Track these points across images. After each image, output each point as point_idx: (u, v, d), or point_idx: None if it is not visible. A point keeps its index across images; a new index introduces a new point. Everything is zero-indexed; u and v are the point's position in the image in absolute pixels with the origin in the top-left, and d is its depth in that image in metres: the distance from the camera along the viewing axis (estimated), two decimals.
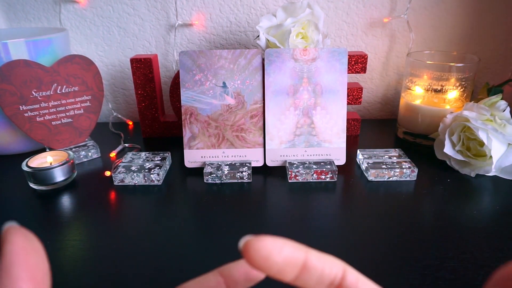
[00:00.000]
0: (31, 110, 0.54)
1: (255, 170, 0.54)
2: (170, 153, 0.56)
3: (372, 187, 0.50)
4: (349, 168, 0.54)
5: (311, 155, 0.54)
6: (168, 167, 0.55)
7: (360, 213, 0.44)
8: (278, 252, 0.15)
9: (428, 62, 0.59)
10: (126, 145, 0.62)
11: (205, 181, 0.51)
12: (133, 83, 0.63)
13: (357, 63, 0.60)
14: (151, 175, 0.50)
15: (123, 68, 0.73)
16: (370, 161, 0.52)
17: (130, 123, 0.74)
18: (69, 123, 0.58)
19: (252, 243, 0.15)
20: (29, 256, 0.14)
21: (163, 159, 0.54)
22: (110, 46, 0.72)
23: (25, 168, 0.49)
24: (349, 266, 0.17)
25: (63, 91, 0.56)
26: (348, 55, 0.58)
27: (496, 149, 0.48)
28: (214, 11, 0.68)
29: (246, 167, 0.51)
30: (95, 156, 0.59)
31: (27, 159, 0.50)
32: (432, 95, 0.60)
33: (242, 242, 0.15)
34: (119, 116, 0.74)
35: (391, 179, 0.51)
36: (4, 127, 0.56)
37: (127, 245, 0.39)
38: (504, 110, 0.50)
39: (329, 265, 0.16)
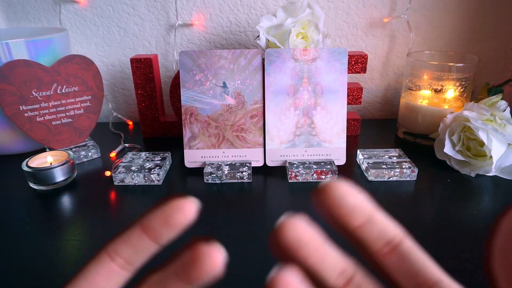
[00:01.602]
0: (31, 110, 0.54)
1: (255, 170, 0.54)
2: (170, 153, 0.56)
3: (372, 187, 0.50)
4: (349, 168, 0.54)
5: (311, 155, 0.54)
6: (168, 167, 0.55)
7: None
8: (354, 195, 0.17)
9: (428, 62, 0.59)
10: (126, 145, 0.62)
11: (205, 181, 0.51)
12: (133, 83, 0.63)
13: (357, 63, 0.60)
14: (151, 175, 0.50)
15: (123, 68, 0.73)
16: (370, 161, 0.52)
17: (130, 123, 0.74)
18: (69, 123, 0.58)
19: (333, 183, 0.16)
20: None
21: (163, 159, 0.54)
22: (110, 46, 0.72)
23: (25, 168, 0.49)
24: (406, 236, 0.18)
25: (63, 91, 0.56)
26: (348, 55, 0.58)
27: (496, 149, 0.48)
28: (214, 11, 0.68)
29: (246, 167, 0.51)
30: (95, 156, 0.59)
31: (27, 159, 0.50)
32: (432, 95, 0.60)
33: (323, 182, 0.17)
34: (119, 116, 0.74)
35: (391, 179, 0.51)
36: (4, 127, 0.56)
37: None
38: (504, 110, 0.50)
39: (391, 226, 0.17)
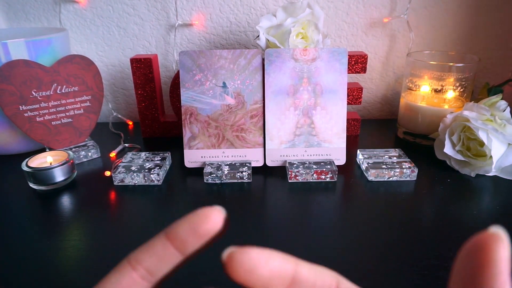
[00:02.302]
0: (31, 110, 0.54)
1: (255, 170, 0.54)
2: (170, 153, 0.56)
3: (372, 187, 0.49)
4: (349, 168, 0.54)
5: (311, 155, 0.54)
6: (168, 167, 0.55)
7: (360, 213, 0.44)
8: (264, 264, 0.14)
9: (428, 62, 0.59)
10: (126, 145, 0.62)
11: (205, 181, 0.51)
12: (133, 83, 0.63)
13: (357, 63, 0.60)
14: (151, 175, 0.50)
15: (123, 68, 0.73)
16: (370, 161, 0.52)
17: (130, 123, 0.73)
18: (69, 123, 0.58)
19: (235, 256, 0.14)
20: None
21: (163, 159, 0.54)
22: (110, 46, 0.72)
23: (25, 168, 0.49)
24: (342, 277, 0.16)
25: (63, 91, 0.56)
26: (348, 55, 0.58)
27: (496, 149, 0.48)
28: (214, 11, 0.68)
29: (246, 167, 0.51)
30: (95, 156, 0.59)
31: (27, 159, 0.50)
32: (432, 95, 0.60)
33: (225, 254, 0.14)
34: (119, 116, 0.74)
35: (391, 179, 0.51)
36: (4, 127, 0.56)
37: (127, 245, 0.39)
38: (504, 110, 0.50)
39: (321, 277, 0.16)
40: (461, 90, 0.59)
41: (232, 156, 0.54)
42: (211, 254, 0.38)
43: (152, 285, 0.17)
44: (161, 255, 0.16)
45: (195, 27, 0.70)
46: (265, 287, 0.15)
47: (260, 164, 0.55)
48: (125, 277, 0.16)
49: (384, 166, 0.51)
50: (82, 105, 0.59)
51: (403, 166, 0.51)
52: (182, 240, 0.17)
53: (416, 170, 0.50)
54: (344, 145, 0.54)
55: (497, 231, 0.13)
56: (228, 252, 0.14)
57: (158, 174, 0.50)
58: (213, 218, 0.17)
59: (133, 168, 0.51)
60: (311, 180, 0.51)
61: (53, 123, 0.57)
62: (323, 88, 0.53)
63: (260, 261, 0.14)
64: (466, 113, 0.51)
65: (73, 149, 0.58)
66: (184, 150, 0.54)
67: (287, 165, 0.52)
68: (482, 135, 0.48)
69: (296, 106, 0.53)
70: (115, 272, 0.17)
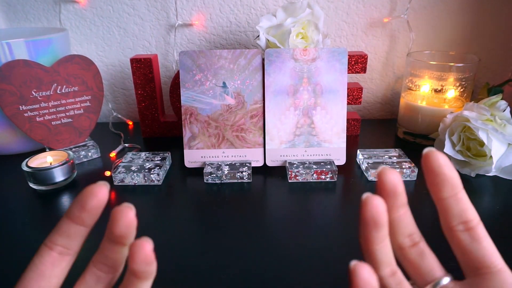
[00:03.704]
0: (31, 110, 0.54)
1: (255, 170, 0.54)
2: (170, 153, 0.56)
3: (372, 187, 0.49)
4: (349, 168, 0.54)
5: (311, 155, 0.54)
6: (168, 167, 0.55)
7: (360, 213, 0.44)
8: (451, 168, 0.19)
9: (428, 62, 0.59)
10: (126, 145, 0.62)
11: (205, 181, 0.51)
12: (133, 83, 0.63)
13: (357, 63, 0.60)
14: (151, 175, 0.50)
15: (123, 68, 0.73)
16: (370, 161, 0.52)
17: (130, 123, 0.74)
18: (69, 123, 0.58)
19: (436, 152, 0.19)
20: None
21: (163, 159, 0.54)
22: (110, 46, 0.72)
23: (25, 168, 0.49)
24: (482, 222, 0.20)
25: (63, 91, 0.56)
26: (348, 55, 0.58)
27: (496, 149, 0.48)
28: (214, 11, 0.68)
29: (246, 167, 0.51)
30: (95, 156, 0.59)
31: (27, 159, 0.50)
32: (432, 95, 0.60)
33: (426, 150, 0.19)
34: (119, 116, 0.74)
35: None
36: (4, 127, 0.56)
37: None
38: (504, 110, 0.50)
39: (472, 209, 0.20)
40: (461, 90, 0.59)
41: (232, 156, 0.54)
42: (213, 252, 0.38)
43: (72, 256, 0.20)
44: (69, 232, 0.20)
45: (195, 27, 0.70)
46: (446, 182, 0.19)
47: (260, 164, 0.55)
48: (45, 257, 0.19)
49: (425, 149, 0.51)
50: (82, 105, 0.59)
51: (403, 166, 0.51)
52: (77, 217, 0.19)
53: (416, 170, 0.50)
54: (344, 145, 0.54)
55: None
56: (429, 149, 0.20)
57: (158, 174, 0.50)
58: (97, 194, 0.19)
59: (133, 168, 0.51)
60: (311, 180, 0.51)
61: (53, 123, 0.57)
62: (323, 88, 0.53)
63: (448, 164, 0.19)
64: (466, 113, 0.51)
65: (73, 149, 0.58)
66: (184, 150, 0.54)
67: (287, 165, 0.52)
68: (482, 135, 0.48)
69: (296, 106, 0.53)
70: (37, 256, 0.20)
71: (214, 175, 0.51)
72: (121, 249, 0.20)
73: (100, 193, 0.19)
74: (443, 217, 0.20)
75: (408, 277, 0.22)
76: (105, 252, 0.21)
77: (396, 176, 0.19)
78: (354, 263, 0.18)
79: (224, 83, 0.53)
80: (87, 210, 0.19)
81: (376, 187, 0.20)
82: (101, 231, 0.21)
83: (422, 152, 0.19)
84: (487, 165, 0.50)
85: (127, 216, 0.20)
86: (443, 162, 0.19)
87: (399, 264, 0.21)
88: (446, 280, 0.21)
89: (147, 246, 0.19)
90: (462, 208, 0.20)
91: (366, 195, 0.19)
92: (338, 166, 0.53)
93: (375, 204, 0.18)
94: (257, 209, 0.45)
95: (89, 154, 0.59)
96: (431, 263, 0.21)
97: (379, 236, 0.19)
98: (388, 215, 0.19)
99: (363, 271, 0.17)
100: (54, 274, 0.20)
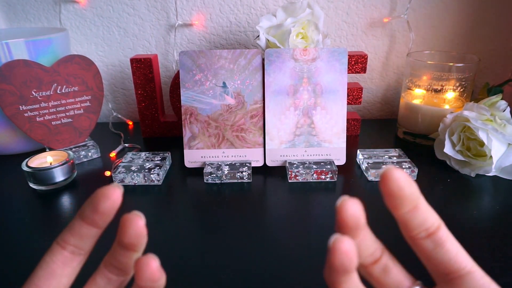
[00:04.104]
0: (31, 110, 0.54)
1: (255, 170, 0.54)
2: (170, 153, 0.56)
3: (372, 187, 0.49)
4: (349, 168, 0.54)
5: (311, 155, 0.54)
6: (168, 167, 0.55)
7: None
8: (410, 185, 0.18)
9: (428, 62, 0.59)
10: (126, 145, 0.62)
11: (205, 181, 0.51)
12: (133, 83, 0.63)
13: (357, 63, 0.60)
14: (151, 175, 0.50)
15: (123, 68, 0.73)
16: (370, 161, 0.52)
17: (130, 123, 0.74)
18: (69, 123, 0.58)
19: (395, 172, 0.18)
20: None
21: (163, 159, 0.54)
22: (110, 46, 0.72)
23: (25, 168, 0.49)
24: (443, 224, 0.20)
25: (63, 91, 0.56)
26: (348, 55, 0.58)
27: (496, 149, 0.48)
28: (214, 11, 0.68)
29: (246, 167, 0.51)
30: (95, 156, 0.59)
31: (27, 159, 0.50)
32: (432, 95, 0.60)
33: (385, 168, 0.18)
34: (119, 116, 0.74)
35: None
36: (4, 127, 0.56)
37: None
38: (504, 110, 0.50)
39: (432, 214, 0.19)
40: (461, 90, 0.59)
41: (232, 156, 0.54)
42: (213, 252, 0.38)
43: (84, 257, 0.20)
44: (81, 233, 0.20)
45: (195, 27, 0.70)
46: (401, 202, 0.18)
47: (260, 164, 0.55)
48: (57, 256, 0.20)
49: (384, 166, 0.51)
50: (82, 105, 0.59)
51: (403, 166, 0.51)
52: (90, 218, 0.19)
53: (416, 170, 0.50)
54: (344, 145, 0.54)
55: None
56: (387, 167, 0.18)
57: (158, 174, 0.50)
58: (111, 197, 0.19)
59: (133, 168, 0.51)
60: (311, 180, 0.51)
61: (53, 123, 0.57)
62: (323, 88, 0.53)
63: (409, 181, 0.18)
64: (466, 113, 0.51)
65: (73, 149, 0.58)
66: (184, 150, 0.54)
67: (287, 165, 0.52)
68: (482, 135, 0.48)
69: (296, 106, 0.53)
70: (48, 254, 0.20)
71: (214, 175, 0.51)
72: (132, 254, 0.20)
73: (114, 195, 0.19)
74: (404, 229, 0.20)
75: None
76: (117, 256, 0.21)
77: (356, 207, 0.18)
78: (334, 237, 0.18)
79: (224, 83, 0.53)
80: (99, 212, 0.19)
81: (337, 221, 0.19)
82: (113, 232, 0.21)
83: (381, 172, 0.18)
84: (487, 165, 0.50)
85: (137, 225, 0.19)
86: (403, 184, 0.18)
87: (366, 282, 0.21)
88: None
89: (152, 263, 0.19)
90: (422, 217, 0.19)
91: (334, 238, 0.17)
92: (338, 166, 0.53)
93: (345, 250, 0.17)
94: (257, 209, 0.45)
95: (89, 154, 0.59)
96: (396, 276, 0.21)
97: (347, 279, 0.18)
98: None
99: (343, 243, 0.17)
100: (65, 273, 0.20)
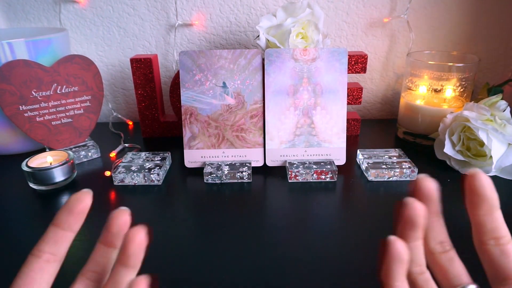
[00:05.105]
0: (31, 110, 0.54)
1: (255, 170, 0.54)
2: (170, 153, 0.56)
3: (372, 187, 0.49)
4: (349, 168, 0.54)
5: (311, 155, 0.54)
6: (168, 167, 0.55)
7: (360, 213, 0.44)
8: (492, 190, 0.21)
9: (428, 62, 0.59)
10: (126, 145, 0.62)
11: (205, 181, 0.51)
12: (133, 83, 0.63)
13: (357, 63, 0.60)
14: (151, 175, 0.50)
15: (123, 68, 0.73)
16: (370, 161, 0.52)
17: (130, 123, 0.74)
18: (69, 123, 0.58)
19: (482, 174, 0.21)
20: None
21: (163, 159, 0.54)
22: (110, 46, 0.72)
23: (25, 168, 0.49)
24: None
25: (63, 91, 0.56)
26: (348, 55, 0.58)
27: (496, 149, 0.48)
28: (214, 11, 0.68)
29: (246, 167, 0.51)
30: (95, 156, 0.59)
31: (27, 159, 0.50)
32: (432, 95, 0.60)
33: (472, 170, 0.21)
34: (119, 116, 0.74)
35: (391, 179, 0.51)
36: (4, 127, 0.56)
37: None
38: (504, 110, 0.50)
39: (504, 226, 0.22)
40: (461, 90, 0.59)
41: (232, 156, 0.54)
42: (213, 252, 0.38)
43: (59, 262, 0.22)
44: (56, 239, 0.21)
45: (195, 27, 0.70)
46: (480, 203, 0.21)
47: (260, 164, 0.55)
48: (32, 266, 0.21)
49: (384, 166, 0.51)
50: (82, 105, 0.59)
51: (403, 166, 0.51)
52: (65, 222, 0.21)
53: (416, 170, 0.50)
54: (344, 145, 0.54)
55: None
56: (474, 170, 0.21)
57: (158, 174, 0.50)
58: (83, 200, 0.21)
59: (133, 168, 0.51)
60: (311, 180, 0.51)
61: (53, 123, 0.57)
62: (323, 88, 0.53)
63: (491, 186, 0.21)
64: (466, 113, 0.51)
65: (73, 149, 0.58)
66: (184, 150, 0.54)
67: (287, 165, 0.52)
68: (482, 135, 0.48)
69: (296, 106, 0.53)
70: (25, 265, 0.21)
71: (214, 175, 0.51)
72: (111, 252, 0.22)
73: (86, 199, 0.21)
74: (476, 230, 0.22)
75: (435, 281, 0.23)
76: (96, 258, 0.23)
77: (432, 184, 0.21)
78: (392, 237, 0.20)
79: (224, 83, 0.53)
80: (74, 214, 0.21)
81: (413, 192, 0.22)
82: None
83: (467, 172, 0.21)
84: (487, 165, 0.49)
85: (124, 216, 0.22)
86: (487, 184, 0.21)
87: (429, 268, 0.23)
88: (472, 287, 0.22)
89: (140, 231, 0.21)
90: (496, 225, 0.21)
91: (409, 199, 0.20)
92: (338, 166, 0.53)
93: (416, 206, 0.20)
94: (257, 209, 0.45)
95: (89, 154, 0.59)
96: (459, 269, 0.23)
97: (414, 235, 0.21)
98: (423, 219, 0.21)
99: (398, 243, 0.19)
100: (44, 279, 0.21)
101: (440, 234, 0.23)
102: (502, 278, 0.21)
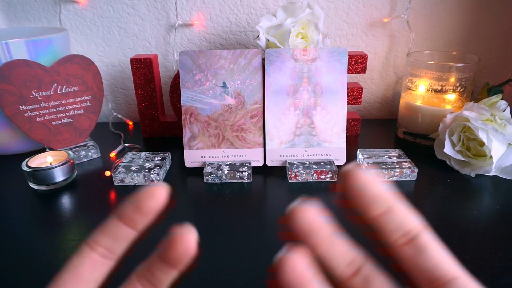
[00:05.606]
0: (31, 110, 0.54)
1: (255, 170, 0.54)
2: (170, 153, 0.56)
3: None
4: None
5: (311, 155, 0.54)
6: (168, 167, 0.55)
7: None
8: (374, 185, 0.16)
9: (428, 62, 0.59)
10: (126, 145, 0.62)
11: (205, 181, 0.51)
12: (133, 83, 0.63)
13: (357, 63, 0.60)
14: (151, 175, 0.50)
15: (123, 68, 0.73)
16: (370, 161, 0.52)
17: (130, 123, 0.73)
18: (69, 123, 0.58)
19: (357, 169, 0.16)
20: None
21: (163, 159, 0.54)
22: (110, 46, 0.72)
23: (25, 168, 0.49)
24: (427, 228, 0.17)
25: (63, 91, 0.56)
26: (348, 55, 0.58)
27: (496, 149, 0.48)
28: (214, 11, 0.68)
29: (246, 167, 0.51)
30: (95, 156, 0.59)
31: (27, 159, 0.50)
32: (432, 95, 0.60)
33: (346, 168, 0.16)
34: (119, 116, 0.74)
35: (391, 179, 0.51)
36: (4, 127, 0.56)
37: None
38: (504, 110, 0.50)
39: (410, 217, 0.17)
40: (461, 90, 0.59)
41: (232, 156, 0.54)
42: (213, 252, 0.38)
43: (114, 261, 0.18)
44: (116, 234, 0.18)
45: (195, 27, 0.70)
46: (369, 202, 0.16)
47: (260, 164, 0.55)
48: (85, 258, 0.18)
49: (384, 166, 0.51)
50: (82, 105, 0.59)
51: (403, 166, 0.51)
52: (130, 218, 0.18)
53: (416, 170, 0.50)
54: (344, 145, 0.54)
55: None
56: (350, 166, 0.16)
57: (158, 174, 0.50)
58: (155, 196, 0.18)
59: (133, 168, 0.51)
60: (311, 180, 0.51)
61: (53, 123, 0.57)
62: (323, 88, 0.53)
63: (372, 181, 0.16)
64: (466, 113, 0.51)
65: (73, 149, 0.58)
66: (184, 150, 0.54)
67: (287, 165, 0.52)
68: (482, 135, 0.48)
69: (296, 106, 0.53)
70: (76, 256, 0.18)
71: (214, 175, 0.51)
72: (171, 271, 0.18)
73: (160, 195, 0.18)
74: (380, 235, 0.18)
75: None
76: (154, 270, 0.19)
77: (314, 211, 0.17)
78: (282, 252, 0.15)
79: (224, 83, 0.53)
80: (142, 211, 0.18)
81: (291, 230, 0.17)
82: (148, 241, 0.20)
83: (342, 171, 0.17)
84: (487, 165, 0.50)
85: (187, 241, 0.18)
86: (367, 182, 0.16)
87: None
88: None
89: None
90: (399, 221, 0.17)
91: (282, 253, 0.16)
92: (338, 166, 0.53)
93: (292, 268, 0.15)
94: (257, 209, 0.45)
95: (89, 154, 0.59)
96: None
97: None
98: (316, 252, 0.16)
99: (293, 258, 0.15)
100: (92, 278, 0.18)
101: (345, 256, 0.18)
102: (427, 281, 0.17)
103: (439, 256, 0.17)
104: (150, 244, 0.20)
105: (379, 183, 0.16)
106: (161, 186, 0.18)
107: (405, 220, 0.17)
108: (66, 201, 0.48)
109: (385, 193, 0.17)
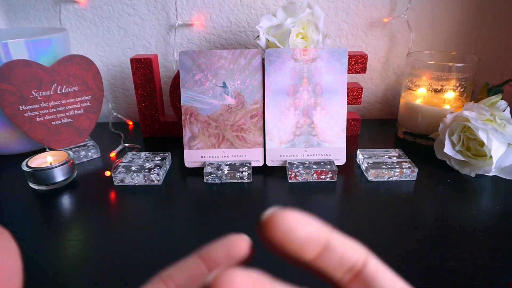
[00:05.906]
0: (31, 110, 0.54)
1: (255, 170, 0.54)
2: (170, 153, 0.56)
3: (372, 187, 0.49)
4: (349, 168, 0.54)
5: (311, 155, 0.54)
6: (168, 167, 0.55)
7: (360, 213, 0.44)
8: (302, 227, 0.15)
9: (428, 62, 0.59)
10: (126, 145, 0.62)
11: (205, 181, 0.51)
12: (133, 83, 0.63)
13: (357, 63, 0.60)
14: (151, 175, 0.50)
15: (123, 68, 0.73)
16: (370, 161, 0.52)
17: (130, 123, 0.73)
18: (69, 123, 0.58)
19: (276, 216, 0.15)
20: None
21: (163, 159, 0.54)
22: (110, 46, 0.72)
23: (25, 168, 0.49)
24: (371, 254, 0.16)
25: (63, 91, 0.56)
26: (348, 55, 0.58)
27: (496, 149, 0.48)
28: (214, 11, 0.68)
29: (246, 167, 0.51)
30: (95, 156, 0.59)
31: (27, 159, 0.50)
32: (432, 95, 0.60)
33: (266, 213, 0.15)
34: (119, 116, 0.74)
35: (391, 179, 0.51)
36: (4, 127, 0.56)
37: (127, 245, 0.39)
38: (504, 110, 0.50)
39: (351, 250, 0.16)
40: (461, 90, 0.59)
41: (232, 156, 0.54)
42: None
43: None
44: (193, 273, 0.17)
45: (195, 27, 0.70)
46: (299, 249, 0.15)
47: (260, 164, 0.55)
48: None
49: (384, 166, 0.51)
50: (82, 105, 0.59)
51: (403, 166, 0.51)
52: (215, 261, 0.17)
53: (416, 170, 0.50)
54: (344, 145, 0.54)
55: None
56: (269, 212, 0.15)
57: (158, 174, 0.50)
58: (243, 244, 0.18)
59: (133, 168, 0.51)
60: (311, 180, 0.51)
61: (53, 123, 0.57)
62: (323, 88, 0.53)
63: (298, 223, 0.15)
64: (466, 113, 0.51)
65: (73, 149, 0.58)
66: (184, 150, 0.54)
67: (287, 165, 0.52)
68: (482, 135, 0.48)
69: (296, 106, 0.53)
70: (148, 287, 0.17)
71: (214, 175, 0.51)
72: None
73: (245, 244, 0.18)
74: (323, 277, 0.16)
75: None
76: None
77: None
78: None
79: (224, 83, 0.53)
80: (229, 257, 0.17)
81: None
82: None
83: (263, 218, 0.15)
84: (487, 165, 0.50)
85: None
86: (293, 222, 0.15)
87: None
88: None
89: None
90: (339, 257, 0.15)
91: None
92: (338, 166, 0.53)
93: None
94: (257, 209, 0.45)
95: (89, 154, 0.59)
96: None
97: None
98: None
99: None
100: None
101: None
102: None
103: (390, 284, 0.16)
104: None
105: (306, 221, 0.15)
106: (246, 237, 0.18)
107: (345, 254, 0.15)
108: (66, 201, 0.48)
109: (316, 231, 0.15)
